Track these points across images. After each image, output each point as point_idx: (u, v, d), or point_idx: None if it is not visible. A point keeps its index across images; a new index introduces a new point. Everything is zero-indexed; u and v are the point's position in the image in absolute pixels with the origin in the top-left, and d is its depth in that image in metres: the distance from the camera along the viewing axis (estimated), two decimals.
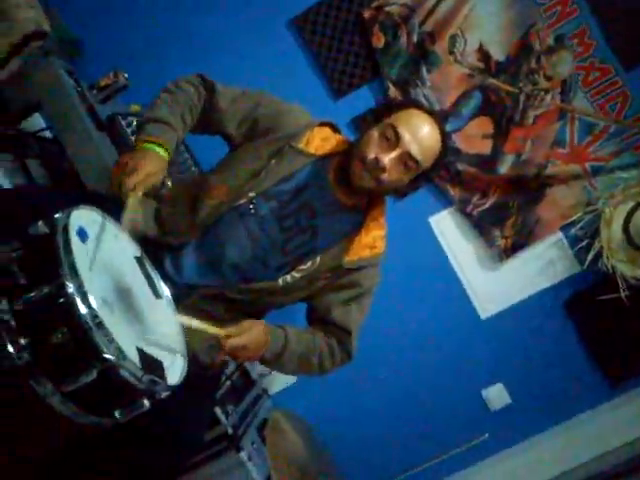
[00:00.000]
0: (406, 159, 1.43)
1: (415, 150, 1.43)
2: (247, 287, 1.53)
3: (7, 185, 1.98)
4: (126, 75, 2.10)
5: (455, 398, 2.77)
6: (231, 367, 2.42)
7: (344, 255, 1.53)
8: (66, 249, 1.01)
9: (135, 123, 2.05)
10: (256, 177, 1.50)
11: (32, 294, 1.00)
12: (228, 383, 2.38)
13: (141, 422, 1.15)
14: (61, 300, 0.98)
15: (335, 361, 1.60)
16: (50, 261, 1.01)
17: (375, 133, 1.45)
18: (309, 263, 1.52)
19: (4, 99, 1.81)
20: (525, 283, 2.73)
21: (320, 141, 1.56)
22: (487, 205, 2.71)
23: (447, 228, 2.78)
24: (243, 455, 2.21)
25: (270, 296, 1.55)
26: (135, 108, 2.24)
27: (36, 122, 2.34)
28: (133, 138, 2.00)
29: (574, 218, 2.63)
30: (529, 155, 2.64)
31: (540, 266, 2.71)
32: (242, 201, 1.49)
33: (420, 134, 1.44)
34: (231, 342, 1.34)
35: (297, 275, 1.52)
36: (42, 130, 2.29)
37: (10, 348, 1.00)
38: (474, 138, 2.69)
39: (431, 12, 2.62)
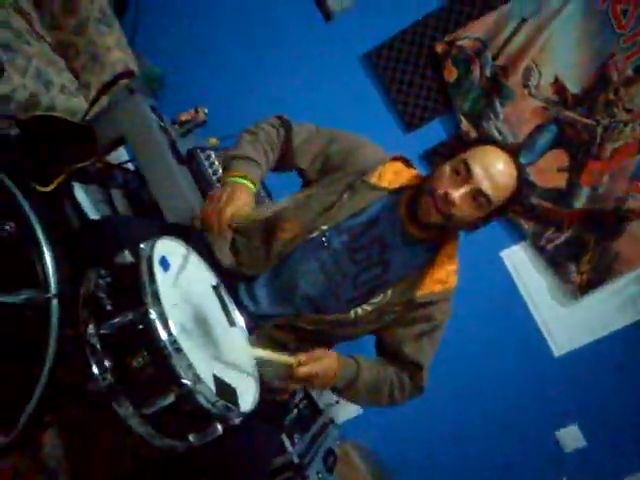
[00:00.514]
0: (477, 195, 1.41)
1: (486, 186, 1.41)
2: (319, 318, 1.55)
3: (93, 214, 2.11)
4: (206, 111, 2.20)
5: (528, 438, 2.69)
6: (299, 396, 2.44)
7: (416, 289, 1.52)
8: (150, 278, 1.07)
9: (213, 156, 2.14)
10: (329, 211, 1.53)
11: (117, 319, 1.05)
12: (295, 412, 2.40)
13: (212, 448, 1.19)
14: (143, 326, 1.04)
15: (405, 394, 1.59)
16: (135, 289, 1.06)
17: (447, 168, 1.44)
18: (380, 296, 1.53)
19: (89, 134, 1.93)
20: (602, 320, 2.64)
21: (392, 175, 1.57)
22: (562, 239, 2.65)
23: (520, 262, 2.73)
24: None
25: (341, 328, 1.56)
26: (213, 141, 2.33)
27: (119, 154, 2.49)
28: (211, 171, 2.09)
29: None
30: (607, 188, 2.57)
31: (619, 303, 2.61)
32: (315, 234, 1.52)
33: (493, 170, 1.42)
34: (302, 370, 1.36)
35: (368, 308, 1.53)
36: (126, 162, 2.43)
37: (95, 369, 1.06)
38: (549, 172, 2.64)
39: (504, 45, 2.60)
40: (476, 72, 2.64)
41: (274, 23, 2.84)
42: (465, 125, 2.67)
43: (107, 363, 1.06)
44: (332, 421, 2.78)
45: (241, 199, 1.39)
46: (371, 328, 1.59)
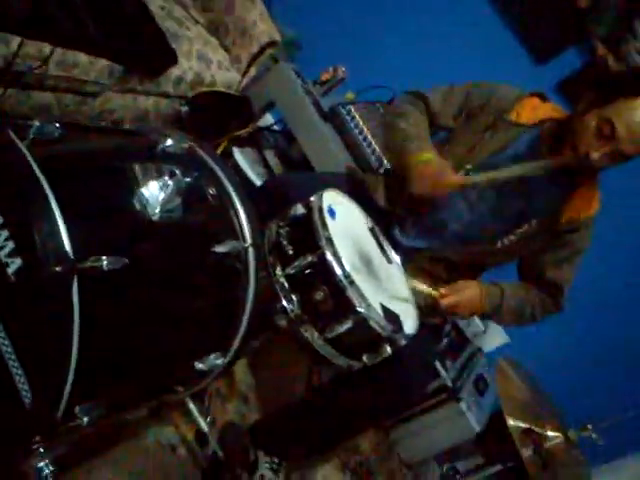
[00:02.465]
0: (616, 155, 1.44)
1: (628, 148, 1.42)
2: (468, 250, 1.70)
3: (251, 173, 2.36)
4: (344, 69, 2.35)
5: None
6: (447, 326, 2.61)
7: (559, 217, 1.61)
8: (323, 225, 1.27)
9: (353, 110, 2.29)
10: (472, 151, 1.64)
11: (299, 262, 1.27)
12: (446, 341, 2.57)
13: (380, 369, 1.39)
14: (321, 265, 1.23)
15: (545, 312, 1.73)
16: (310, 235, 1.26)
17: (592, 123, 1.45)
18: (525, 226, 1.63)
19: (247, 103, 2.16)
20: None
21: (530, 111, 1.64)
22: None
23: None
24: (462, 405, 2.41)
25: (489, 257, 1.71)
26: (349, 96, 2.48)
27: (266, 118, 2.72)
28: (353, 125, 2.25)
29: None
30: None
31: None
32: (461, 174, 1.63)
33: (638, 131, 1.41)
34: (445, 301, 1.55)
35: (514, 238, 1.64)
36: (272, 125, 2.66)
37: (285, 303, 1.29)
38: None
39: None
40: None
41: None
42: (602, 50, 2.58)
43: (294, 297, 1.28)
44: (480, 349, 2.93)
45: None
46: (517, 255, 1.72)
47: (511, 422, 1.27)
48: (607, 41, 2.59)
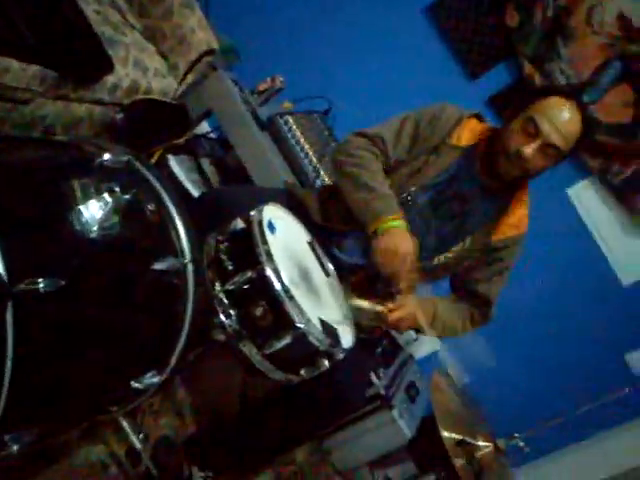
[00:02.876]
0: (547, 148, 1.52)
1: (555, 139, 1.50)
2: None
3: (187, 182, 2.33)
4: (282, 79, 2.35)
5: (598, 362, 2.81)
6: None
7: (492, 235, 1.68)
8: (262, 240, 1.27)
9: (290, 121, 2.30)
10: (417, 173, 1.67)
11: (238, 277, 1.26)
12: (379, 350, 2.62)
13: (316, 384, 1.41)
14: (261, 280, 1.23)
15: (475, 324, 1.81)
16: (250, 250, 1.26)
17: (516, 127, 1.54)
18: (460, 244, 1.69)
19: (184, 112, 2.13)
20: None
21: (469, 133, 1.70)
22: (629, 173, 2.69)
23: (586, 198, 2.80)
24: (395, 413, 2.45)
25: (425, 273, 1.75)
26: (287, 106, 2.49)
27: (202, 126, 2.69)
28: (290, 135, 2.26)
29: None
30: None
31: None
32: (404, 195, 1.67)
33: (559, 122, 1.51)
34: (393, 315, 1.57)
35: (450, 255, 1.70)
36: (209, 132, 2.63)
37: (223, 318, 1.28)
38: (614, 107, 2.66)
39: None
40: (538, 15, 2.66)
41: None
42: (528, 69, 2.70)
43: (233, 312, 1.27)
44: (411, 357, 3.00)
45: (409, 243, 1.50)
46: (451, 272, 1.78)
47: (445, 434, 1.30)
48: (534, 59, 2.71)
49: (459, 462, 1.30)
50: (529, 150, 1.51)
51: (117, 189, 1.04)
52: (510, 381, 2.94)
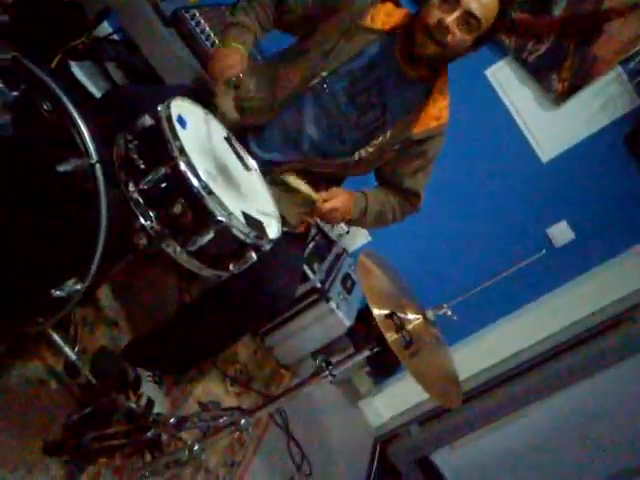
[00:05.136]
0: (468, 18, 1.47)
1: (475, 7, 1.46)
2: (327, 162, 1.71)
3: (93, 89, 2.20)
4: None
5: (522, 238, 2.94)
6: (313, 230, 2.68)
7: (413, 127, 1.66)
8: (173, 134, 1.21)
9: (197, 15, 2.16)
10: (327, 57, 1.61)
11: (152, 175, 1.21)
12: (312, 245, 2.65)
13: (248, 279, 1.40)
14: (176, 177, 1.19)
15: (404, 214, 1.85)
16: (161, 146, 1.20)
17: (435, 1, 1.49)
18: (380, 137, 1.67)
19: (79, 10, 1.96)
20: (584, 123, 2.79)
21: (385, 16, 1.64)
22: (543, 50, 2.72)
23: (504, 78, 2.82)
24: (332, 304, 2.53)
25: (348, 169, 1.74)
26: (192, 0, 2.34)
27: (103, 28, 2.50)
28: (198, 30, 2.13)
29: (633, 51, 2.61)
30: None
31: (599, 104, 2.74)
32: (316, 81, 1.62)
33: None
34: (325, 205, 1.57)
35: (370, 149, 1.69)
36: (111, 34, 2.45)
37: (142, 220, 1.24)
38: None
39: None
40: None
41: None
42: None
43: (151, 213, 1.23)
44: (345, 250, 3.06)
45: (230, 58, 1.52)
46: (374, 167, 1.77)
47: (376, 311, 1.34)
48: None
49: (391, 336, 1.35)
50: (450, 19, 1.47)
51: (1, 86, 0.95)
52: (437, 270, 3.07)
